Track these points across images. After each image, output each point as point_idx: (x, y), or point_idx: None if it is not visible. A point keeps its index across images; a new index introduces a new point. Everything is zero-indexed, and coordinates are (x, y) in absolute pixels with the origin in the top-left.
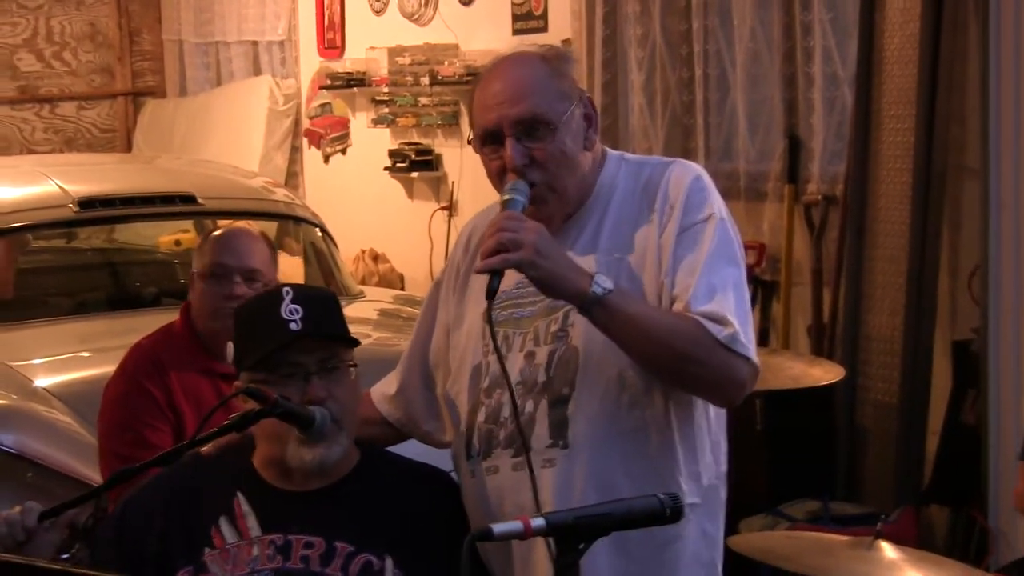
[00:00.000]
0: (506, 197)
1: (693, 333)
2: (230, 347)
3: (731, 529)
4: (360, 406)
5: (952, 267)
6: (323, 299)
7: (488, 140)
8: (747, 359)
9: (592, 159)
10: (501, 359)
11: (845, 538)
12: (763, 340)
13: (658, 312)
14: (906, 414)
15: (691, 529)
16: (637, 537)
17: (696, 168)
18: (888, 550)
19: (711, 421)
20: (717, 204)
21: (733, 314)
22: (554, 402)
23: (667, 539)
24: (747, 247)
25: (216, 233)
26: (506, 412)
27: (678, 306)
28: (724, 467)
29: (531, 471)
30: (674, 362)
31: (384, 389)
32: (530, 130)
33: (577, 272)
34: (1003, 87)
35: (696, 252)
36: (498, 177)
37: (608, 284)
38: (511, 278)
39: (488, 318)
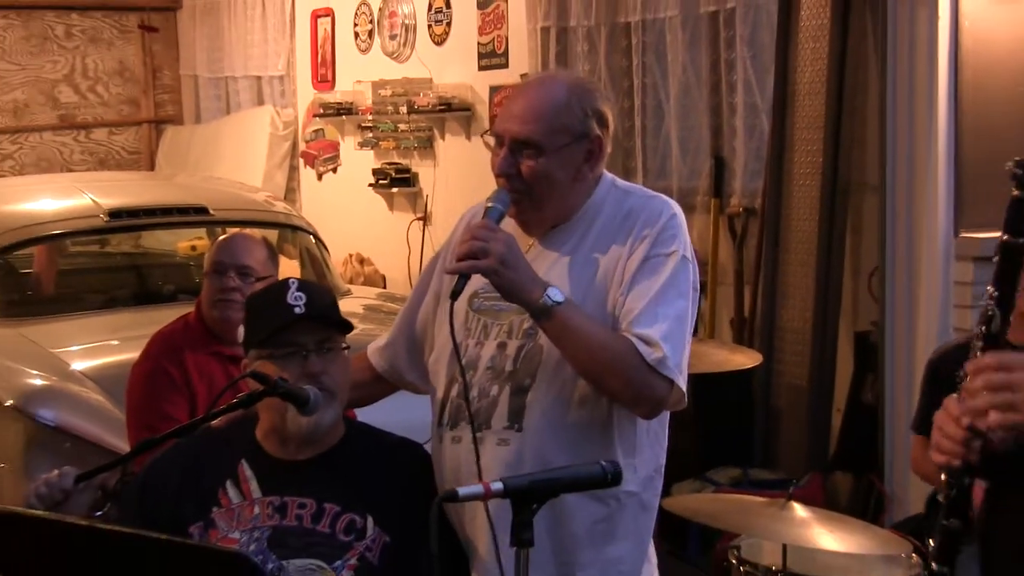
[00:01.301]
0: (488, 205)
1: (623, 352)
2: (241, 330)
3: (664, 493)
4: (353, 371)
5: (854, 268)
6: (323, 291)
7: (497, 141)
8: (671, 381)
9: (584, 189)
10: (457, 351)
11: (762, 500)
12: (692, 331)
13: (598, 328)
14: (814, 394)
15: (625, 514)
16: (574, 514)
17: (674, 207)
18: (799, 510)
19: (654, 421)
20: (683, 243)
21: (667, 340)
22: (516, 390)
23: (598, 518)
24: None
25: (221, 238)
26: (474, 392)
27: (623, 324)
28: (663, 460)
29: (475, 444)
30: (601, 373)
31: (376, 343)
32: (523, 148)
33: (534, 283)
34: (898, 116)
35: (651, 280)
36: (495, 172)
37: (558, 297)
38: None
39: (450, 316)
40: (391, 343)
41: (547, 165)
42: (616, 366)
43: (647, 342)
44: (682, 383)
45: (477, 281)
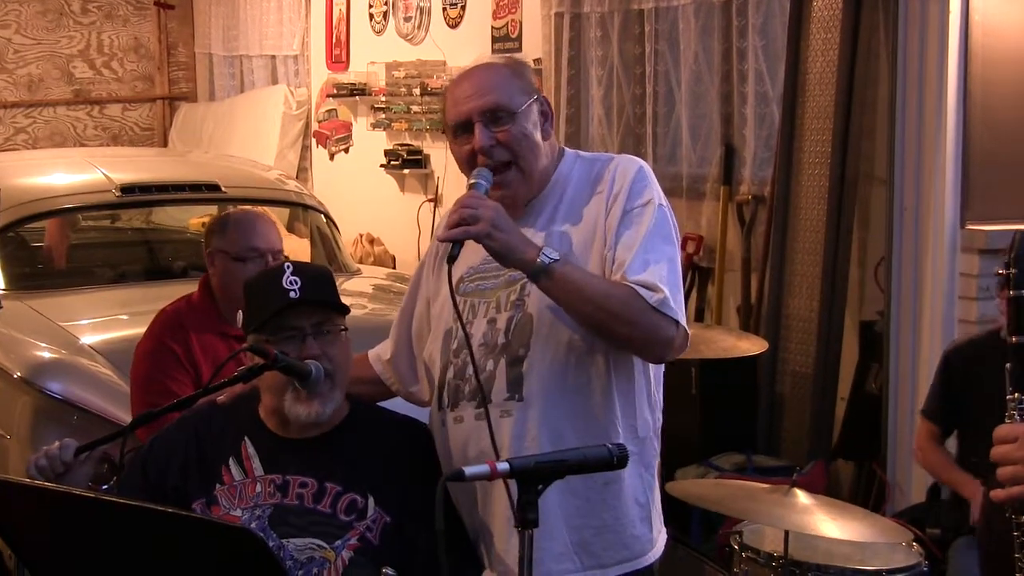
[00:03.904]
0: (472, 181)
1: (626, 298)
2: (240, 314)
3: (668, 477)
4: (354, 366)
5: (861, 259)
6: (319, 273)
7: (460, 130)
8: (675, 321)
9: (550, 151)
10: (463, 323)
11: (765, 486)
12: (699, 317)
13: (597, 279)
14: (819, 382)
15: (629, 474)
16: (582, 479)
17: (639, 161)
18: (802, 497)
19: (651, 381)
20: (657, 192)
21: (664, 283)
22: (511, 361)
23: (607, 480)
24: (687, 239)
25: (238, 219)
26: (470, 370)
27: (616, 276)
28: (660, 422)
29: (488, 421)
30: (609, 322)
31: (379, 353)
32: (495, 117)
33: (528, 244)
34: (908, 108)
35: (635, 231)
36: (467, 162)
37: (554, 255)
38: (478, 255)
39: (449, 281)
40: (394, 357)
41: (522, 126)
42: (623, 312)
43: (647, 286)
44: (684, 322)
45: (460, 267)
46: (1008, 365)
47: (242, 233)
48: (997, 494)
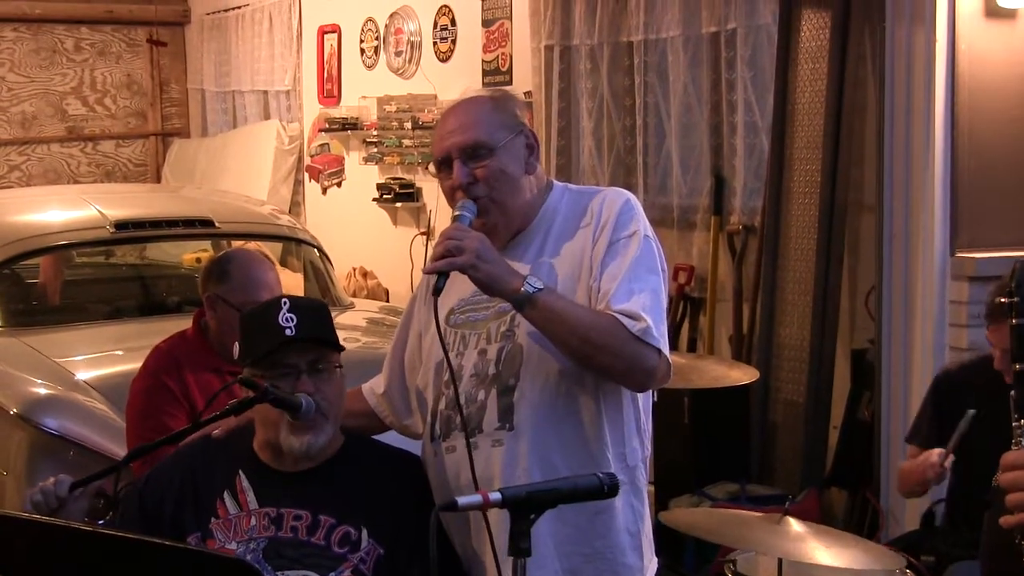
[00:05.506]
0: (456, 213)
1: (610, 327)
2: (236, 346)
3: (662, 506)
4: (348, 401)
5: (851, 287)
6: (315, 309)
7: (443, 166)
8: (658, 350)
9: (537, 183)
10: (448, 357)
11: (758, 515)
12: (691, 347)
13: (581, 309)
14: (811, 411)
15: (619, 503)
16: (574, 507)
17: (626, 194)
18: (795, 525)
19: (640, 411)
20: (643, 224)
21: (647, 312)
22: (502, 391)
23: (598, 510)
24: (678, 269)
25: (239, 264)
26: (462, 400)
27: (601, 305)
28: (648, 451)
29: (470, 452)
30: (592, 351)
31: (373, 387)
32: (473, 154)
33: (512, 274)
34: (896, 136)
35: (620, 261)
36: (450, 196)
37: (538, 284)
38: (468, 287)
39: (435, 313)
40: (387, 391)
41: (500, 162)
42: (605, 342)
43: (630, 316)
44: (667, 351)
45: (451, 299)
46: (1012, 393)
47: (246, 283)
48: (1007, 520)
